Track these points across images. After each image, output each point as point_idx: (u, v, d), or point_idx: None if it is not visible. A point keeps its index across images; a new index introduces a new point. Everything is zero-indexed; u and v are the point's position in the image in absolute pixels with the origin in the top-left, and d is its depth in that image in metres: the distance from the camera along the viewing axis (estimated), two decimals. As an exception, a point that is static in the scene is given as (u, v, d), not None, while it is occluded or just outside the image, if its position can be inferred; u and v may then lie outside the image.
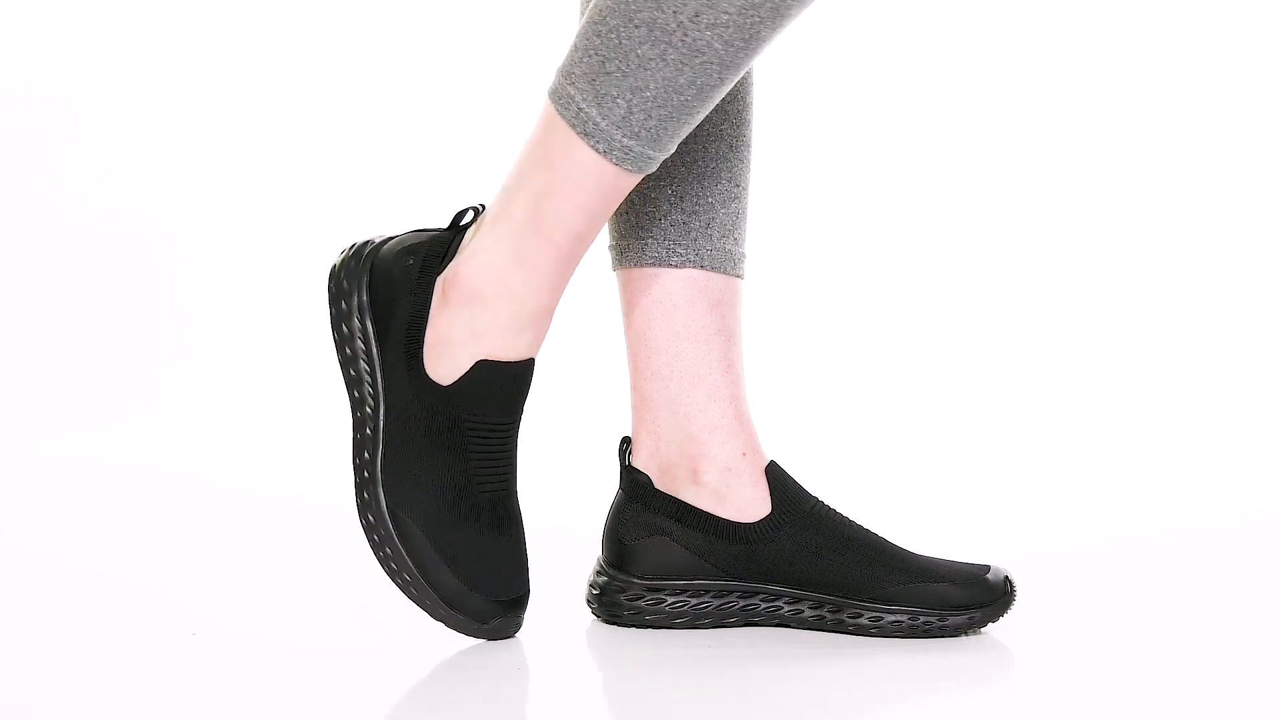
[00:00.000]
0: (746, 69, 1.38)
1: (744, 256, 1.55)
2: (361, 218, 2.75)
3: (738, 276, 1.54)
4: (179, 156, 2.81)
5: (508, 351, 1.42)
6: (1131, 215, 2.73)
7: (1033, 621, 1.52)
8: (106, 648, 1.45)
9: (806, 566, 1.49)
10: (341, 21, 2.83)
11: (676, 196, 1.52)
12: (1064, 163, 2.75)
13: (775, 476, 1.51)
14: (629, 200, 1.52)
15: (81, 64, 2.83)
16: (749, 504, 1.51)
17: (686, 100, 1.36)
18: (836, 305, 2.71)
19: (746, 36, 1.34)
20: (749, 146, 1.56)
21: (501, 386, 1.43)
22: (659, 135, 1.37)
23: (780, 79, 2.34)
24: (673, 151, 1.41)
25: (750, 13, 1.33)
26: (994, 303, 2.70)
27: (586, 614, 1.54)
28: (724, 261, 1.53)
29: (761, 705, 1.31)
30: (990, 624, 1.49)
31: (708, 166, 1.53)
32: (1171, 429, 2.51)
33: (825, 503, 1.52)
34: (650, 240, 1.52)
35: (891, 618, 1.48)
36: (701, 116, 1.39)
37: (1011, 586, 1.49)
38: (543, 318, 1.43)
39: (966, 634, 1.48)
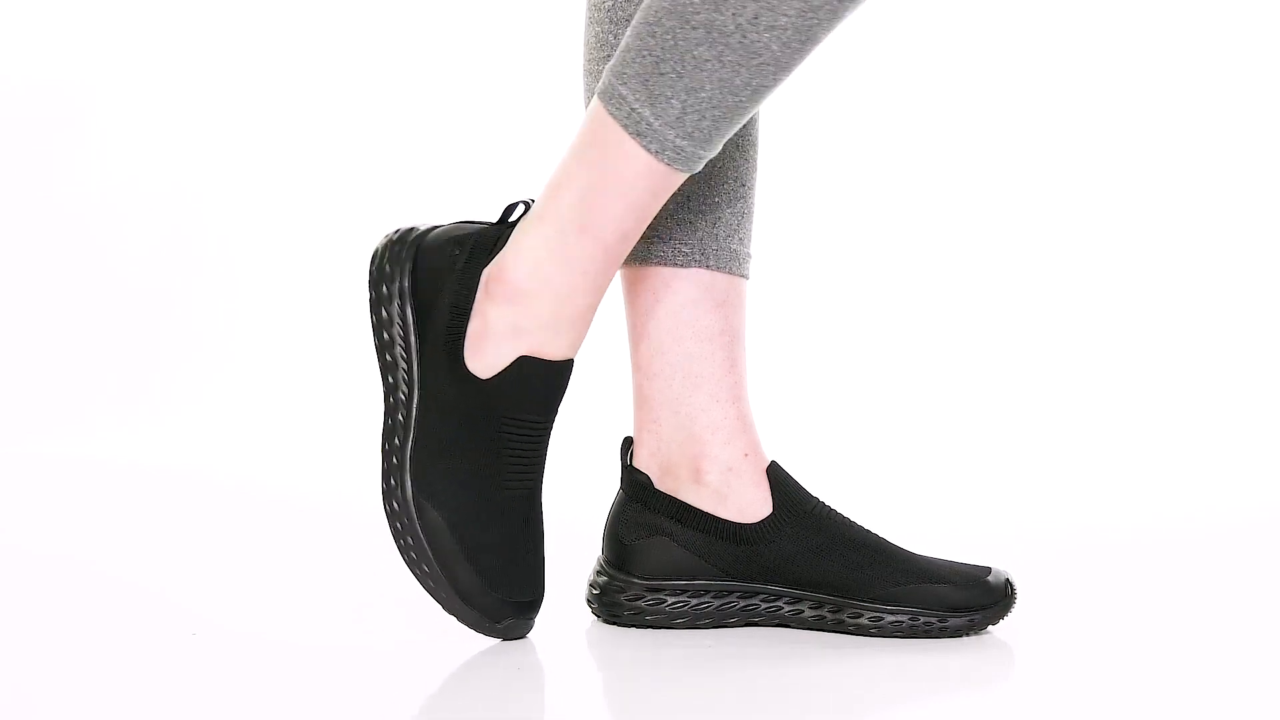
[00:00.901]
0: (799, 68, 1.39)
1: (749, 256, 1.55)
2: (362, 216, 2.75)
3: (743, 276, 1.54)
4: (181, 156, 2.81)
5: (548, 349, 1.42)
6: (1131, 217, 2.73)
7: (1033, 622, 1.52)
8: (107, 647, 1.45)
9: (807, 567, 1.49)
10: (344, 21, 2.83)
11: (683, 195, 1.52)
12: (1063, 163, 2.75)
13: (776, 477, 1.51)
14: None
15: (83, 63, 2.83)
16: (750, 504, 1.51)
17: (740, 101, 1.36)
18: (837, 305, 2.71)
19: (804, 38, 1.35)
20: (755, 146, 1.56)
21: (540, 385, 1.42)
22: (710, 135, 1.38)
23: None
24: (718, 151, 1.41)
25: (809, 15, 1.34)
26: (994, 304, 2.70)
27: (587, 614, 1.54)
28: (729, 261, 1.53)
29: (761, 705, 1.31)
30: (990, 626, 1.49)
31: (714, 166, 1.52)
32: (1172, 430, 2.51)
33: (826, 504, 1.52)
34: (655, 239, 1.52)
35: (892, 618, 1.48)
36: (750, 116, 1.39)
37: (1012, 589, 1.49)
38: (584, 317, 1.43)
39: (967, 635, 1.48)
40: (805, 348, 2.66)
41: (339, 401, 2.58)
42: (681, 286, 1.52)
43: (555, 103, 2.50)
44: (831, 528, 1.50)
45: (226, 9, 2.84)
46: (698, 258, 1.52)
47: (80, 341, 2.72)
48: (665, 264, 1.51)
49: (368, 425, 2.44)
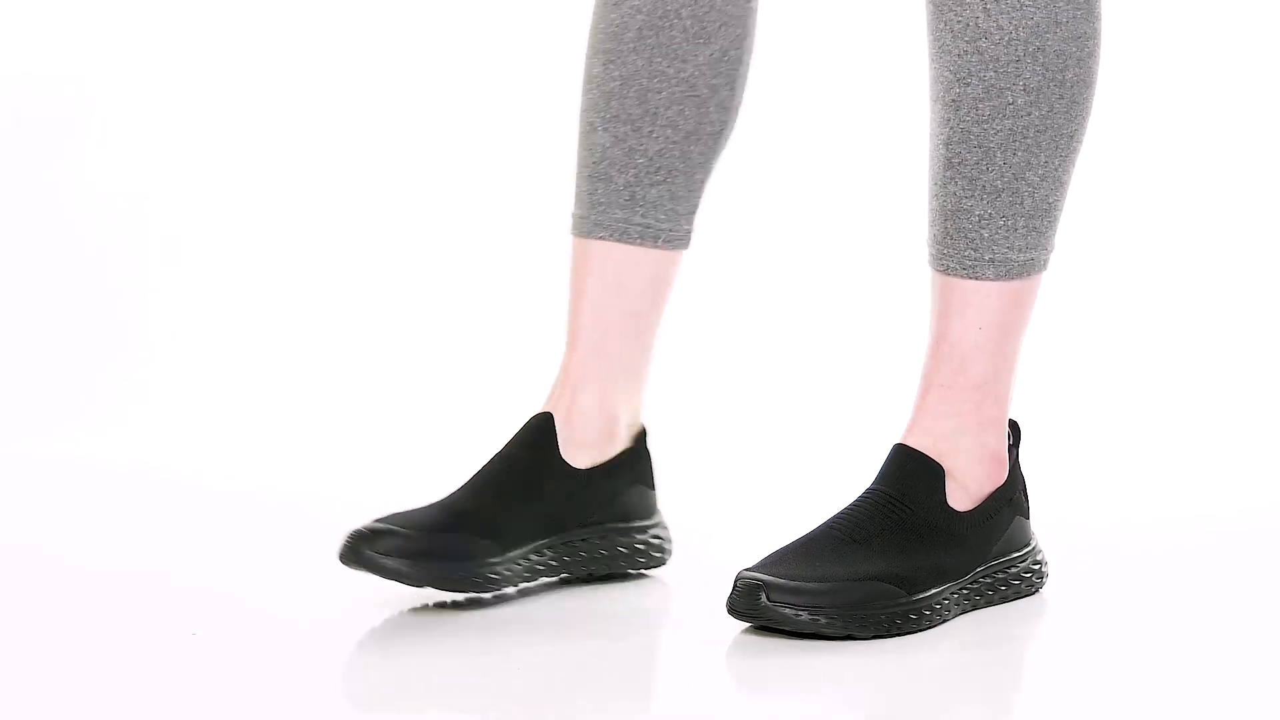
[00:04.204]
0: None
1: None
2: (361, 216, 2.75)
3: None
4: (175, 155, 2.81)
5: None
6: (1132, 218, 2.73)
7: (1033, 622, 1.52)
8: (106, 648, 1.45)
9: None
10: (338, 22, 2.83)
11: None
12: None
13: None
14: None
15: (76, 62, 2.83)
16: None
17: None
18: (835, 305, 2.71)
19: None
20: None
21: None
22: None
23: (778, 78, 2.34)
24: None
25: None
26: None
27: (585, 614, 1.54)
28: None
29: (761, 705, 1.31)
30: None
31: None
32: (1171, 431, 2.51)
33: None
34: None
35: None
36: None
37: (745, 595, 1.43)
38: None
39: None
40: (800, 347, 2.65)
41: (335, 402, 2.58)
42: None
43: (556, 102, 2.50)
44: None
45: (226, 9, 2.84)
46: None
47: (78, 341, 2.72)
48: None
49: (364, 426, 2.45)
